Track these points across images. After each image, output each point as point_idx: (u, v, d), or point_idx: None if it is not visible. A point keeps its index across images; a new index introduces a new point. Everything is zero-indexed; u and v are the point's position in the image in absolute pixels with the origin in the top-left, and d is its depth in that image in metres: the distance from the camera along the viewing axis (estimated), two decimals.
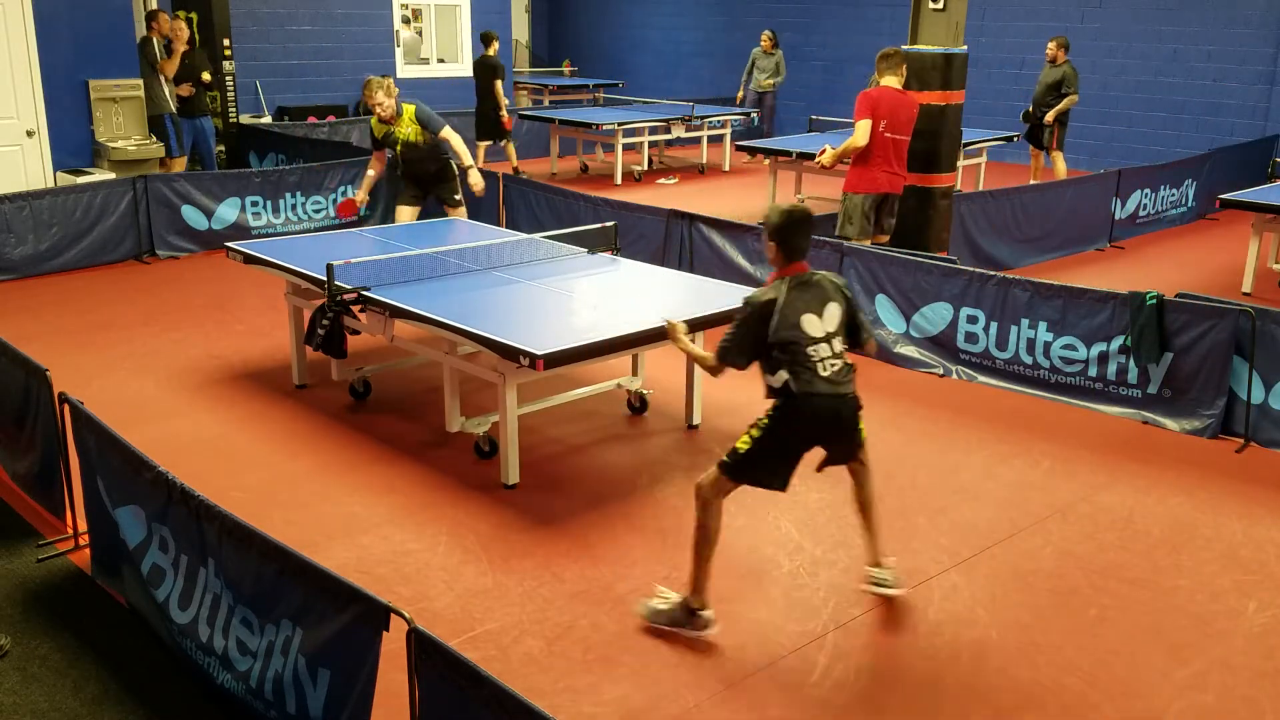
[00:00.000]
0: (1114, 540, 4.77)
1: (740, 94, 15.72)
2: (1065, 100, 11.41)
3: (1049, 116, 11.46)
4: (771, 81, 15.32)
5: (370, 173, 8.02)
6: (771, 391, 3.91)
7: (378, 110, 7.65)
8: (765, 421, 3.91)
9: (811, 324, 3.85)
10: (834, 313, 3.92)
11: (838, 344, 3.94)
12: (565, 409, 6.04)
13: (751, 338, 3.85)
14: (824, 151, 8.08)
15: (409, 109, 7.77)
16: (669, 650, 3.90)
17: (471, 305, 5.43)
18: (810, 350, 3.83)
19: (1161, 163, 11.60)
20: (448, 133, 7.84)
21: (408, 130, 7.75)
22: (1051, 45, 11.52)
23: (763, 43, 15.15)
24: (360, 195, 8.09)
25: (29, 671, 3.72)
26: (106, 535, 4.08)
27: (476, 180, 8.02)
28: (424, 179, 8.00)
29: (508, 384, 5.01)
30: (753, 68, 15.40)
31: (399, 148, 7.77)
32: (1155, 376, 6.06)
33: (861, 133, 7.48)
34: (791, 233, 3.88)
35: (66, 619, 4.05)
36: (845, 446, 4.11)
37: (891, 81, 7.58)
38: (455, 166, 8.02)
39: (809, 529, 4.81)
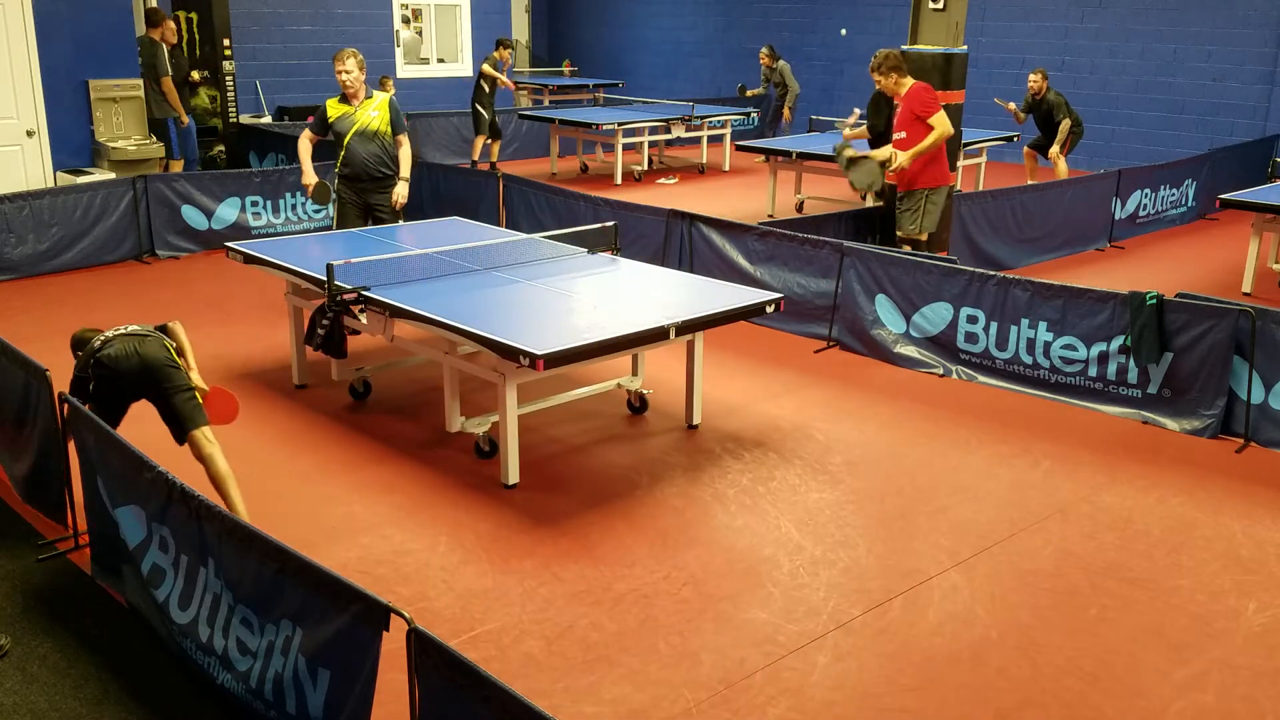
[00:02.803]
0: (1114, 540, 4.77)
1: (752, 91, 15.63)
2: (1061, 129, 11.41)
3: (1054, 151, 11.48)
4: (782, 94, 15.30)
5: (305, 150, 7.45)
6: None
7: (343, 80, 7.12)
8: None
9: None
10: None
11: None
12: (565, 409, 6.04)
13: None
14: (894, 156, 7.72)
15: (384, 96, 7.32)
16: (669, 650, 3.90)
17: (471, 305, 5.43)
18: None
19: (1161, 163, 11.61)
20: (405, 141, 7.37)
21: (370, 118, 7.19)
22: (1035, 78, 11.51)
23: (761, 59, 15.17)
24: (311, 178, 7.45)
25: (29, 671, 3.72)
26: (106, 535, 4.08)
27: (400, 192, 7.37)
28: (364, 183, 7.34)
29: (508, 384, 5.01)
30: (767, 82, 15.40)
31: (349, 136, 7.18)
32: (1155, 376, 6.06)
33: (947, 121, 7.55)
34: None
35: (66, 619, 4.05)
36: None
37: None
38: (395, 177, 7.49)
39: (809, 529, 4.81)
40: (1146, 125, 14.58)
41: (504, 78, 13.56)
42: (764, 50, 15.22)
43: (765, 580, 4.38)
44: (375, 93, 7.37)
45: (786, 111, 15.22)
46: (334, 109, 7.31)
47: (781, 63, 15.23)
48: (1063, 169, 11.57)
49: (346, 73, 7.15)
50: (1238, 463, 5.63)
